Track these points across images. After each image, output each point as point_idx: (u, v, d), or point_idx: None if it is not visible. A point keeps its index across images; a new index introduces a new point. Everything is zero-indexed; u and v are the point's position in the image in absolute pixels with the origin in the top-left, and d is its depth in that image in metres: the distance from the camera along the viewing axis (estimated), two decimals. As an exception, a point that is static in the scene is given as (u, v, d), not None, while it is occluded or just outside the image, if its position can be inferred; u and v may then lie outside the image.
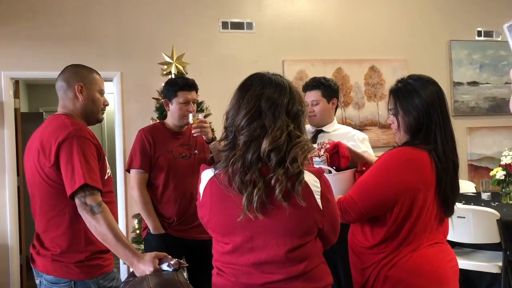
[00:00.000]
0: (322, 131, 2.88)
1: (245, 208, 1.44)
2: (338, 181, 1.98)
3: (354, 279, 1.94)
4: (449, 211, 1.85)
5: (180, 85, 2.82)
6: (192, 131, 2.68)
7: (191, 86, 2.83)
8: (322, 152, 2.05)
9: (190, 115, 2.70)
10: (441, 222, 1.85)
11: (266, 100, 1.47)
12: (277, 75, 1.55)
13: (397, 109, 1.84)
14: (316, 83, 2.88)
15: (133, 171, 2.82)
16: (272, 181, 1.43)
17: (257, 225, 1.47)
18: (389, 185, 1.76)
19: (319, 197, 1.49)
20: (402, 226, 1.77)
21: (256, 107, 1.47)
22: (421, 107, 1.78)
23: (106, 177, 2.05)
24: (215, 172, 1.53)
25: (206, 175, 1.56)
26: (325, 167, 2.02)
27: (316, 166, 2.02)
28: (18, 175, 4.41)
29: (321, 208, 1.50)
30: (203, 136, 2.71)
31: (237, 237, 1.50)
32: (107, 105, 2.19)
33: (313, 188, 1.48)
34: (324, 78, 2.93)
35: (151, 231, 2.77)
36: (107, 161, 2.09)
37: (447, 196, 1.80)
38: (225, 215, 1.51)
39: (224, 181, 1.49)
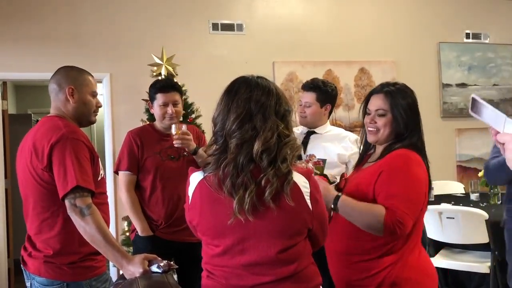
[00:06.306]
0: (314, 132, 2.89)
1: (236, 211, 1.44)
2: None
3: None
4: None
5: (158, 86, 2.78)
6: (173, 142, 2.65)
7: (170, 87, 2.78)
8: (310, 165, 2.08)
9: (173, 126, 2.66)
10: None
11: (255, 102, 1.48)
12: (262, 78, 1.56)
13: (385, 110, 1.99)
14: (313, 85, 2.82)
15: (121, 173, 2.80)
16: (263, 182, 1.44)
17: (248, 227, 1.47)
18: (421, 184, 1.80)
19: (309, 197, 1.51)
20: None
21: (246, 110, 1.48)
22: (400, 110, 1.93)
23: (99, 178, 2.05)
24: (205, 175, 1.53)
25: (195, 177, 1.55)
26: None
27: None
28: (6, 177, 4.37)
29: (311, 208, 1.52)
30: (186, 148, 2.69)
31: (228, 239, 1.50)
32: (100, 106, 2.18)
33: (302, 189, 1.50)
34: (323, 81, 2.86)
35: (139, 233, 2.75)
36: (100, 163, 2.08)
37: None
38: (215, 217, 1.51)
39: (214, 184, 1.49)
